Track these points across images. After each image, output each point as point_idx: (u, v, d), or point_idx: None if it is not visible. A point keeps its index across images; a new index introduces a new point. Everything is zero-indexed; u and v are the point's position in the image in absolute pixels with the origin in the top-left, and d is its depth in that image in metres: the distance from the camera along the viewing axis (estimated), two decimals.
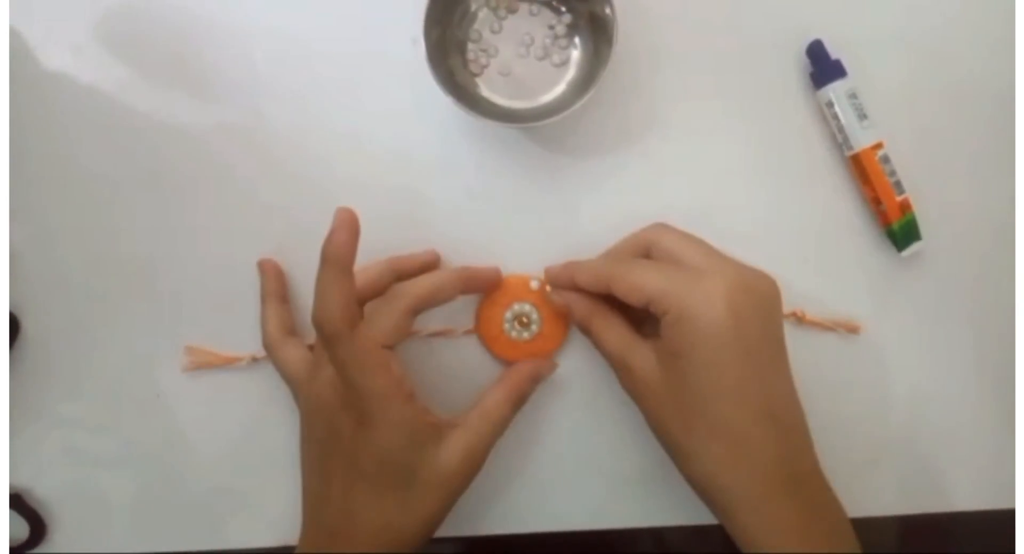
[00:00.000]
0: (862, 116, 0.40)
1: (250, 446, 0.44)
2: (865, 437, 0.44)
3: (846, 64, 0.41)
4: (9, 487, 0.43)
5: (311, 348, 0.41)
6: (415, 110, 0.42)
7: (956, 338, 0.43)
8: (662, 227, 0.39)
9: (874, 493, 0.44)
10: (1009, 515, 0.43)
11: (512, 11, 0.41)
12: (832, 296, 0.43)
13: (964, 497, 0.44)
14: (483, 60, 0.42)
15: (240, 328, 0.43)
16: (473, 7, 0.41)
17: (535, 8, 0.41)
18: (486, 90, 0.42)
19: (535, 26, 0.41)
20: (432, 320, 0.42)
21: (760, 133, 0.43)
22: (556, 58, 0.42)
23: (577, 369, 0.43)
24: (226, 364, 0.43)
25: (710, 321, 0.33)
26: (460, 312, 0.42)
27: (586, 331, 0.39)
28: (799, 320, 0.43)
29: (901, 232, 0.41)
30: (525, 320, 0.42)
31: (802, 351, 0.37)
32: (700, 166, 0.43)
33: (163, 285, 0.43)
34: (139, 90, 0.43)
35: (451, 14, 0.40)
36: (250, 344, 0.43)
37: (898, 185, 0.41)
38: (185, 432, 0.44)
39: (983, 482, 0.44)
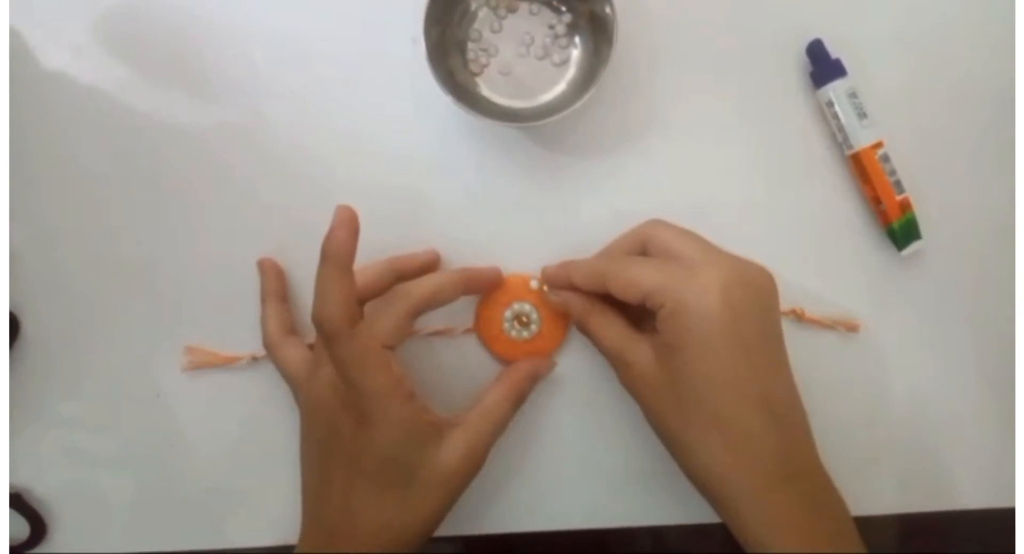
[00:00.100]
0: (862, 115, 0.40)
1: (250, 445, 0.44)
2: (865, 436, 0.44)
3: (846, 63, 0.41)
4: (9, 487, 0.43)
5: (311, 348, 0.41)
6: (415, 110, 0.42)
7: (956, 337, 0.43)
8: (657, 223, 0.39)
9: (874, 492, 0.44)
10: (1009, 515, 0.43)
11: (512, 10, 0.41)
12: (832, 295, 0.43)
13: (964, 497, 0.44)
14: (483, 59, 0.42)
15: (240, 328, 0.43)
16: (473, 6, 0.41)
17: (535, 7, 0.41)
18: (486, 89, 0.42)
19: (535, 25, 0.41)
20: (432, 319, 0.42)
21: (760, 132, 0.43)
22: (556, 57, 0.42)
23: (577, 369, 0.43)
24: (226, 364, 0.43)
25: (705, 313, 0.33)
26: (460, 311, 0.42)
27: (584, 330, 0.39)
28: (798, 318, 0.43)
29: (901, 231, 0.41)
30: (525, 320, 0.42)
31: (802, 350, 0.37)
32: (700, 165, 0.43)
33: (163, 285, 0.43)
34: (139, 90, 0.43)
35: (451, 13, 0.40)
36: (250, 344, 0.43)
37: (898, 184, 0.41)
38: (185, 432, 0.44)
39: (983, 481, 0.44)
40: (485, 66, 0.42)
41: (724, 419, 0.34)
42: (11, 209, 0.43)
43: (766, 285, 0.36)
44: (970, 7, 0.42)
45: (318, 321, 0.34)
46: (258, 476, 0.44)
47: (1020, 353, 0.43)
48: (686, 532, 0.44)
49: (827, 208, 0.43)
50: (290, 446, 0.40)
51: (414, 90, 0.42)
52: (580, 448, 0.44)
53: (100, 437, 0.44)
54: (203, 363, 0.43)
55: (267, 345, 0.41)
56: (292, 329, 0.42)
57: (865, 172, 0.41)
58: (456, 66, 0.41)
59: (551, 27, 0.41)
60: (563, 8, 0.41)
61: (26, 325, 0.43)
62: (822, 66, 0.41)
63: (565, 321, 0.42)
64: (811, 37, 0.41)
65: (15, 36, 0.42)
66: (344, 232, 0.34)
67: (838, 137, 0.41)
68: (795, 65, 0.42)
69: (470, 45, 0.41)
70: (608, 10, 0.38)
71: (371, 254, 0.39)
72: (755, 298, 0.35)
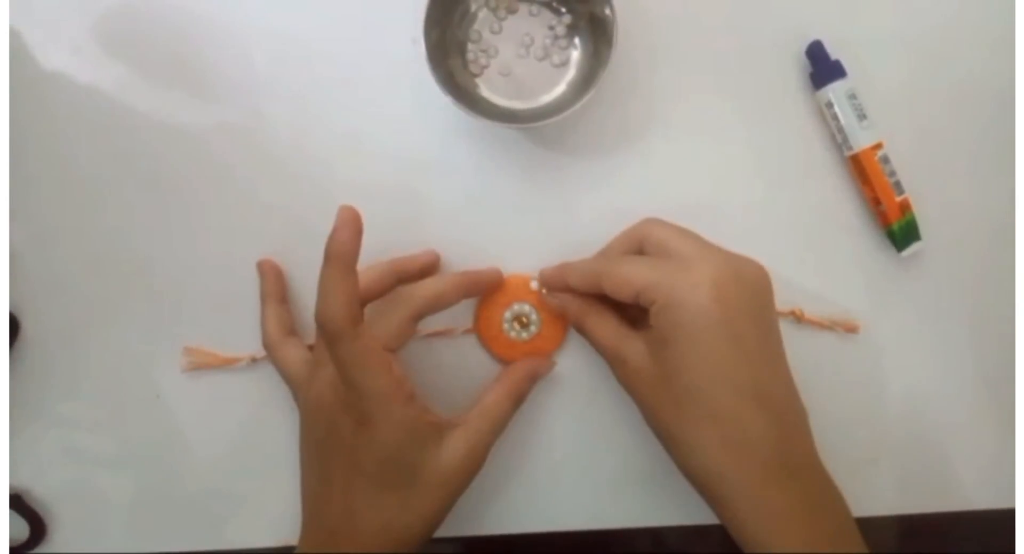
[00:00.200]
0: (862, 116, 0.40)
1: (250, 446, 0.44)
2: (864, 437, 0.44)
3: (846, 64, 0.41)
4: (9, 488, 0.43)
5: (310, 349, 0.41)
6: (415, 110, 0.42)
7: (956, 338, 0.44)
8: (653, 221, 0.39)
9: (874, 493, 0.44)
10: (1009, 515, 0.43)
11: (512, 12, 0.41)
12: (831, 296, 0.43)
13: (964, 497, 0.44)
14: (483, 61, 0.42)
15: (239, 328, 0.43)
16: (473, 8, 0.41)
17: (535, 9, 0.41)
18: (486, 90, 0.42)
19: (535, 27, 0.41)
20: (432, 320, 0.41)
21: (760, 133, 0.43)
22: (556, 58, 0.42)
23: (576, 369, 0.43)
24: (225, 365, 0.43)
25: (696, 307, 0.33)
26: (460, 312, 0.42)
27: (580, 330, 0.39)
28: (797, 319, 0.43)
29: (901, 232, 0.41)
30: (525, 320, 0.42)
31: (801, 351, 0.37)
32: (700, 166, 0.43)
33: (162, 285, 0.43)
34: (139, 90, 0.43)
35: (451, 15, 0.40)
36: (250, 344, 0.43)
37: (898, 185, 0.41)
38: (185, 432, 0.44)
39: (983, 482, 0.44)
40: (485, 67, 0.42)
41: (718, 414, 0.34)
42: (11, 209, 0.43)
43: (759, 280, 0.36)
44: (970, 7, 0.42)
45: (321, 321, 0.34)
46: (258, 477, 0.44)
47: (1020, 353, 0.43)
48: (686, 533, 0.44)
49: (826, 209, 0.43)
50: (290, 447, 0.40)
51: (414, 91, 0.42)
52: (580, 449, 0.44)
53: (100, 437, 0.44)
54: (202, 364, 0.43)
55: (267, 346, 0.41)
56: (292, 330, 0.42)
57: (865, 173, 0.41)
58: (456, 67, 0.41)
59: (551, 28, 0.41)
60: (563, 9, 0.41)
61: (26, 325, 0.43)
62: (822, 67, 0.41)
63: (565, 322, 0.42)
64: (811, 38, 0.41)
65: (15, 36, 0.42)
66: (348, 232, 0.34)
67: (838, 138, 0.41)
68: (795, 66, 0.42)
69: (470, 46, 0.41)
70: (608, 11, 0.38)
71: (371, 254, 0.39)
72: (748, 293, 0.35)
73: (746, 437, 0.34)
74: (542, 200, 0.43)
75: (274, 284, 0.42)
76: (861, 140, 0.40)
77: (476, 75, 0.42)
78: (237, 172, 0.43)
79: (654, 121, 0.42)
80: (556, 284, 0.40)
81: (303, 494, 0.39)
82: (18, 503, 0.43)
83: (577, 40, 0.41)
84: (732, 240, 0.37)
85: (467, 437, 0.37)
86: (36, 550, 0.44)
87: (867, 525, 0.36)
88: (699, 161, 0.43)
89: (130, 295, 0.43)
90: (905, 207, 0.41)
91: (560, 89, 0.41)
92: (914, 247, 0.42)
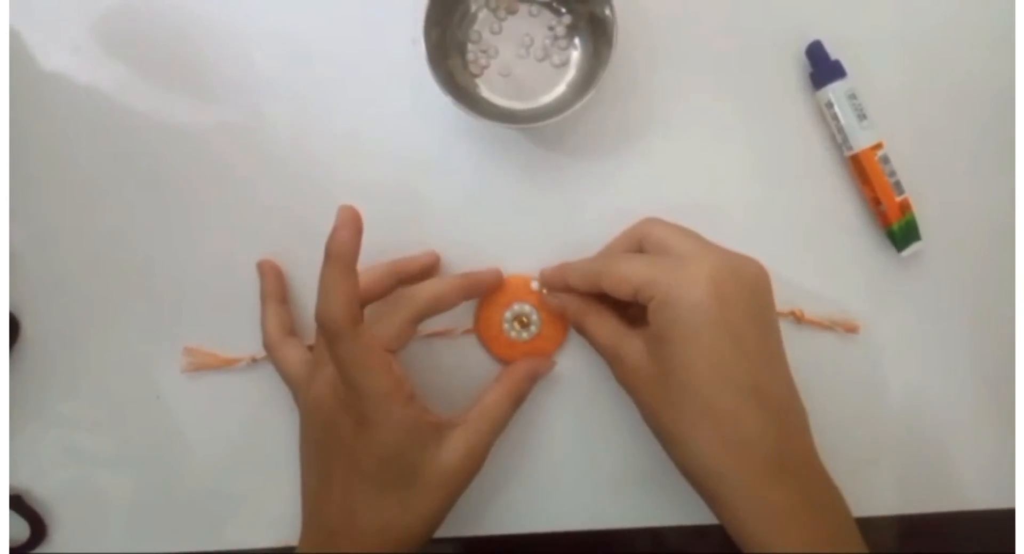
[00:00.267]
0: (862, 116, 0.40)
1: (250, 446, 0.44)
2: (864, 437, 0.44)
3: (846, 64, 0.41)
4: (10, 488, 0.43)
5: (311, 349, 0.41)
6: (415, 111, 0.42)
7: (956, 338, 0.44)
8: (653, 221, 0.39)
9: (874, 493, 0.44)
10: (1009, 515, 0.43)
11: (512, 12, 0.41)
12: (831, 296, 0.43)
13: (964, 497, 0.44)
14: (483, 61, 0.42)
15: (239, 329, 0.43)
16: (473, 8, 0.41)
17: (535, 9, 0.41)
18: (486, 91, 0.42)
19: (535, 27, 0.41)
20: (432, 320, 0.41)
21: (760, 133, 0.43)
22: (556, 59, 0.42)
23: (576, 370, 0.43)
24: (225, 365, 0.43)
25: (693, 303, 0.33)
26: (460, 312, 0.42)
27: (580, 330, 0.39)
28: (798, 320, 0.43)
29: (901, 232, 0.41)
30: (525, 320, 0.42)
31: (801, 351, 0.37)
32: (700, 166, 0.43)
33: (162, 285, 0.43)
34: (138, 90, 0.43)
35: (451, 15, 0.40)
36: (250, 345, 0.43)
37: (898, 185, 0.41)
38: (185, 433, 0.44)
39: (983, 482, 0.44)
40: (485, 67, 0.42)
41: (715, 411, 0.33)
42: (11, 209, 0.43)
43: (758, 278, 0.36)
44: (970, 7, 0.42)
45: (321, 320, 0.34)
46: (258, 477, 0.44)
47: (1020, 353, 0.43)
48: (686, 533, 0.44)
49: (826, 209, 0.43)
50: (290, 447, 0.40)
51: (414, 91, 0.42)
52: (580, 449, 0.44)
53: (100, 437, 0.44)
54: (202, 364, 0.43)
55: (267, 346, 0.41)
56: (292, 330, 0.42)
57: (865, 173, 0.41)
58: (456, 67, 0.41)
59: (551, 28, 0.41)
60: (563, 10, 0.41)
61: (26, 325, 0.43)
62: (822, 67, 0.41)
63: (565, 322, 0.42)
64: (811, 38, 0.41)
65: (14, 36, 0.42)
66: (348, 232, 0.34)
67: (838, 138, 0.41)
68: (795, 66, 0.42)
69: (470, 46, 0.41)
70: (608, 11, 0.38)
71: (371, 254, 0.39)
72: (747, 290, 0.35)
73: (745, 435, 0.33)
74: (542, 200, 0.43)
75: (274, 284, 0.42)
76: (861, 140, 0.40)
77: (476, 75, 0.42)
78: (237, 172, 0.43)
79: (654, 121, 0.42)
80: (556, 284, 0.40)
81: (303, 494, 0.39)
82: (18, 504, 0.43)
83: (577, 40, 0.41)
84: (732, 240, 0.37)
85: (467, 437, 0.37)
86: (37, 550, 0.44)
87: (867, 525, 0.36)
88: (699, 161, 0.43)
89: (130, 295, 0.43)
90: (905, 207, 0.41)
91: (560, 89, 0.41)
92: (914, 247, 0.42)
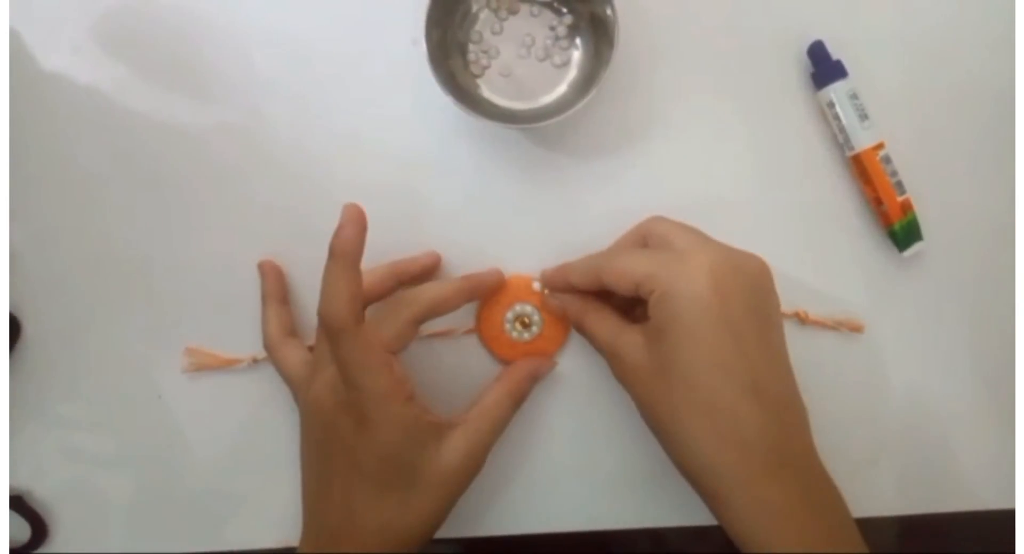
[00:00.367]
0: (863, 116, 0.40)
1: (250, 447, 0.44)
2: (865, 437, 0.44)
3: (847, 64, 0.41)
4: (10, 489, 0.43)
5: (311, 350, 0.41)
6: (416, 111, 0.42)
7: (957, 338, 0.44)
8: (658, 218, 0.39)
9: (874, 493, 0.44)
10: (1009, 515, 0.43)
11: (513, 12, 0.41)
12: (833, 296, 0.43)
13: (964, 497, 0.44)
14: (484, 61, 0.41)
15: (240, 329, 0.43)
16: (474, 8, 0.41)
17: (536, 9, 0.41)
18: (487, 91, 0.41)
19: (536, 27, 0.41)
20: (433, 320, 0.41)
21: (761, 133, 0.43)
22: (557, 59, 0.41)
23: (577, 370, 0.43)
24: (226, 365, 0.43)
25: (693, 297, 0.33)
26: (461, 312, 0.42)
27: (580, 329, 0.39)
28: (802, 321, 0.43)
29: (902, 232, 0.41)
30: (526, 321, 0.42)
31: (802, 350, 0.37)
32: (701, 167, 0.43)
33: (163, 286, 0.43)
34: (138, 90, 0.43)
35: (452, 15, 0.40)
36: (250, 345, 0.42)
37: (899, 185, 0.41)
38: (185, 433, 0.44)
39: (983, 482, 0.44)
40: (486, 68, 0.42)
41: (712, 406, 0.33)
42: (11, 209, 0.43)
43: (759, 274, 0.35)
44: (970, 7, 0.42)
45: (324, 318, 0.34)
46: (258, 478, 0.44)
47: (1020, 353, 0.43)
48: (685, 534, 0.44)
49: (828, 209, 0.43)
50: (290, 447, 0.40)
51: (415, 91, 0.42)
52: (580, 450, 0.44)
53: (100, 438, 0.44)
54: (203, 365, 0.43)
55: (267, 347, 0.41)
56: (292, 331, 0.42)
57: (866, 173, 0.41)
58: (457, 68, 0.41)
59: (552, 29, 0.41)
60: (564, 10, 0.41)
61: (26, 325, 0.43)
62: (823, 67, 0.41)
63: (566, 323, 0.42)
64: (812, 38, 0.41)
65: (14, 36, 0.42)
66: (352, 230, 0.34)
67: (839, 138, 0.41)
68: (796, 66, 0.42)
69: (471, 47, 0.41)
70: (609, 11, 0.38)
71: (372, 254, 0.39)
72: (747, 286, 0.34)
73: (744, 433, 0.33)
74: (543, 200, 0.43)
75: (275, 285, 0.42)
76: (863, 140, 0.40)
77: (477, 76, 0.42)
78: (237, 172, 0.43)
79: (655, 121, 0.42)
80: (558, 284, 0.40)
81: (303, 494, 0.39)
82: (19, 504, 0.43)
83: (578, 40, 0.41)
84: (733, 240, 0.37)
85: (467, 437, 0.37)
86: (38, 551, 0.44)
87: (867, 525, 0.36)
88: (700, 161, 0.43)
89: (130, 295, 0.43)
90: (906, 207, 0.41)
91: (561, 89, 0.41)
92: (916, 247, 0.42)
